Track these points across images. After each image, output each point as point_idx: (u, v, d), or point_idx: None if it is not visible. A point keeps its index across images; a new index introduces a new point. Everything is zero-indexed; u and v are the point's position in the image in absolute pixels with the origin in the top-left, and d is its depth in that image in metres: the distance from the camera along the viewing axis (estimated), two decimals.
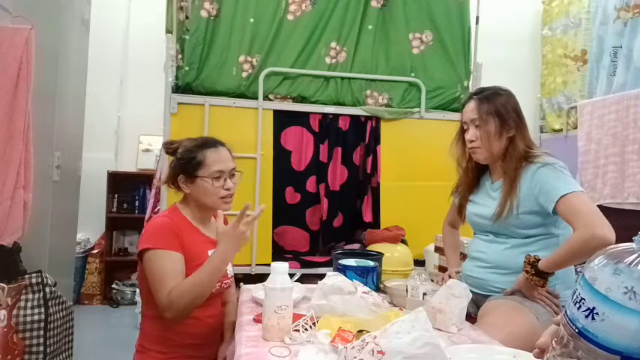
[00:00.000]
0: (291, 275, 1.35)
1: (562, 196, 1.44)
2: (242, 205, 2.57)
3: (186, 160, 1.54)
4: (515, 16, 4.36)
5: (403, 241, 2.39)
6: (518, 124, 1.61)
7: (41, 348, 1.90)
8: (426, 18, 2.85)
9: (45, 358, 1.91)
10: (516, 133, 1.60)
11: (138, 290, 2.94)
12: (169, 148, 1.62)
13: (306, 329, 1.20)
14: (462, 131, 1.71)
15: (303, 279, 1.72)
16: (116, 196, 4.25)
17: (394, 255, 2.21)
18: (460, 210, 1.82)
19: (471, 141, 1.64)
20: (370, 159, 2.74)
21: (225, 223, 1.75)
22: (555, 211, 1.46)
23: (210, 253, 1.53)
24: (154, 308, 1.50)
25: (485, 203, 1.67)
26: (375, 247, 2.23)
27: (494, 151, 1.62)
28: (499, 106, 1.60)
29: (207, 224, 1.62)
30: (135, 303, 3.57)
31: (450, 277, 1.84)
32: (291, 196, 2.69)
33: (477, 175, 1.75)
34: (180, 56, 2.59)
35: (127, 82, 4.35)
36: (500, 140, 1.61)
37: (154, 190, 2.89)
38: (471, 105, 1.65)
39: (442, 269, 2.30)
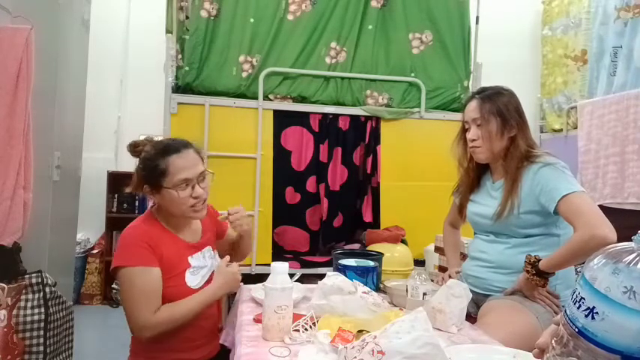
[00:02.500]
0: (291, 275, 1.35)
1: (563, 196, 1.44)
2: (243, 204, 2.59)
3: (149, 170, 1.41)
4: (515, 16, 4.35)
5: (403, 241, 2.39)
6: (519, 123, 1.61)
7: (41, 348, 1.90)
8: (426, 18, 2.85)
9: (45, 358, 1.91)
10: (518, 133, 1.60)
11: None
12: (134, 151, 1.49)
13: (306, 329, 1.20)
14: (464, 131, 1.71)
15: (303, 279, 1.71)
16: (116, 196, 4.25)
17: (394, 255, 2.22)
18: (461, 210, 1.82)
19: (473, 140, 1.64)
20: (370, 159, 2.74)
21: (214, 215, 1.70)
22: (556, 210, 1.46)
23: (190, 259, 1.47)
24: None
25: (486, 203, 1.67)
26: (375, 247, 2.23)
27: (496, 150, 1.62)
28: (501, 105, 1.60)
29: (185, 229, 1.53)
30: None
31: (450, 277, 1.84)
32: (291, 196, 2.70)
33: (478, 175, 1.75)
34: (180, 56, 2.59)
35: (127, 82, 4.35)
36: (502, 140, 1.61)
37: None
38: (473, 104, 1.65)
39: (442, 269, 2.30)
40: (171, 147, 1.43)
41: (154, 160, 1.41)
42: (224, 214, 1.63)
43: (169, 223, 1.49)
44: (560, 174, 1.50)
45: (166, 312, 1.36)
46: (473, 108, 1.64)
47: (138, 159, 1.48)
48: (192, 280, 1.45)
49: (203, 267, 1.51)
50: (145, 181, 1.43)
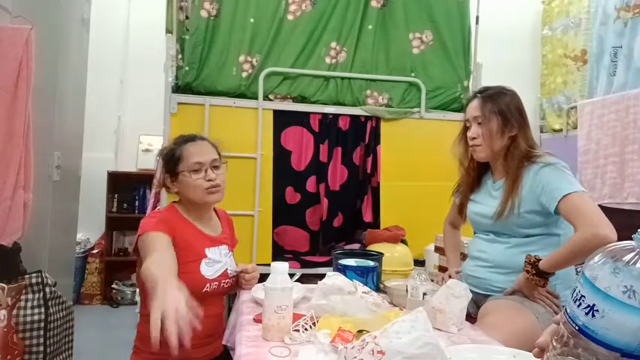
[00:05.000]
0: (291, 275, 1.35)
1: (564, 196, 1.44)
2: (243, 204, 2.60)
3: (168, 158, 1.56)
4: (515, 16, 4.36)
5: (403, 241, 2.38)
6: (520, 123, 1.61)
7: (41, 348, 1.90)
8: (426, 18, 2.85)
9: (45, 358, 1.91)
10: (518, 133, 1.60)
11: (138, 290, 2.94)
12: (163, 154, 1.63)
13: (306, 329, 1.20)
14: (465, 130, 1.71)
15: (303, 279, 1.71)
16: (116, 196, 4.25)
17: (394, 255, 2.21)
18: (461, 209, 1.82)
19: (473, 138, 1.65)
20: (370, 159, 2.74)
21: (227, 220, 1.74)
22: (557, 210, 1.46)
23: (207, 250, 1.52)
24: (148, 307, 1.50)
25: (486, 202, 1.67)
26: (375, 247, 2.23)
27: (496, 149, 1.62)
28: (502, 105, 1.61)
29: (206, 222, 1.62)
30: (135, 303, 3.57)
31: (450, 276, 1.84)
32: (291, 196, 2.69)
33: (479, 175, 1.75)
34: (180, 56, 2.59)
35: (127, 82, 4.35)
36: (502, 139, 1.61)
37: (153, 191, 2.89)
38: (475, 103, 1.66)
39: (442, 269, 2.30)
40: (187, 137, 1.61)
41: (173, 149, 1.57)
42: (238, 267, 1.63)
43: (190, 215, 1.57)
44: (561, 174, 1.51)
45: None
46: (475, 106, 1.65)
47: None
48: (207, 270, 1.50)
49: (218, 262, 1.55)
50: (166, 171, 1.56)
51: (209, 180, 1.52)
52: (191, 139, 1.59)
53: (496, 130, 1.60)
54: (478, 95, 1.67)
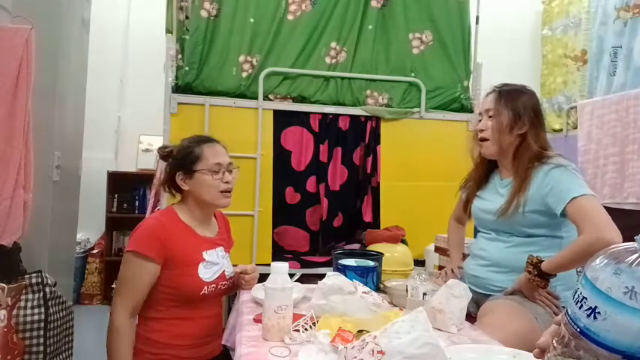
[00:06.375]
0: (291, 275, 1.35)
1: (573, 198, 1.43)
2: (243, 204, 2.60)
3: (184, 156, 1.56)
4: (515, 16, 4.35)
5: (403, 241, 2.38)
6: (533, 122, 1.60)
7: (41, 348, 1.90)
8: (426, 18, 2.85)
9: (45, 358, 1.91)
10: (529, 132, 1.59)
11: None
12: (164, 151, 1.62)
13: (306, 329, 1.20)
14: None
15: (303, 279, 1.72)
16: (116, 196, 4.25)
17: (394, 255, 2.21)
18: (466, 205, 1.82)
19: (481, 130, 1.65)
20: (370, 159, 2.74)
21: (224, 221, 1.74)
22: (564, 212, 1.45)
23: (204, 253, 1.52)
24: (147, 309, 1.50)
25: (492, 199, 1.67)
26: (375, 247, 2.22)
27: (504, 145, 1.62)
28: (518, 101, 1.61)
29: (206, 224, 1.62)
30: None
31: (452, 271, 1.84)
32: (291, 196, 2.69)
33: (487, 172, 1.75)
34: (180, 56, 2.59)
35: (127, 82, 4.35)
36: (511, 135, 1.61)
37: (153, 190, 2.89)
38: (491, 96, 1.66)
39: (442, 269, 2.30)
40: (204, 138, 1.64)
41: (190, 147, 1.57)
42: (237, 268, 1.64)
43: (192, 217, 1.57)
44: (572, 176, 1.50)
45: (124, 339, 1.43)
46: (490, 100, 1.66)
47: (164, 161, 1.63)
48: (205, 272, 1.51)
49: (216, 264, 1.55)
50: (179, 168, 1.56)
51: (226, 182, 1.56)
52: (208, 140, 1.62)
53: (505, 125, 1.60)
54: (496, 89, 1.68)
